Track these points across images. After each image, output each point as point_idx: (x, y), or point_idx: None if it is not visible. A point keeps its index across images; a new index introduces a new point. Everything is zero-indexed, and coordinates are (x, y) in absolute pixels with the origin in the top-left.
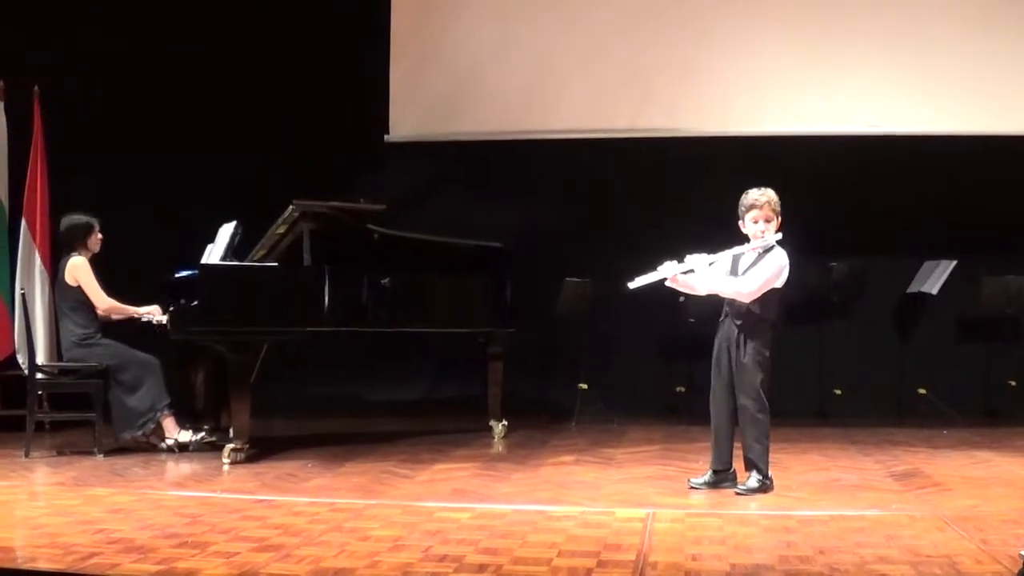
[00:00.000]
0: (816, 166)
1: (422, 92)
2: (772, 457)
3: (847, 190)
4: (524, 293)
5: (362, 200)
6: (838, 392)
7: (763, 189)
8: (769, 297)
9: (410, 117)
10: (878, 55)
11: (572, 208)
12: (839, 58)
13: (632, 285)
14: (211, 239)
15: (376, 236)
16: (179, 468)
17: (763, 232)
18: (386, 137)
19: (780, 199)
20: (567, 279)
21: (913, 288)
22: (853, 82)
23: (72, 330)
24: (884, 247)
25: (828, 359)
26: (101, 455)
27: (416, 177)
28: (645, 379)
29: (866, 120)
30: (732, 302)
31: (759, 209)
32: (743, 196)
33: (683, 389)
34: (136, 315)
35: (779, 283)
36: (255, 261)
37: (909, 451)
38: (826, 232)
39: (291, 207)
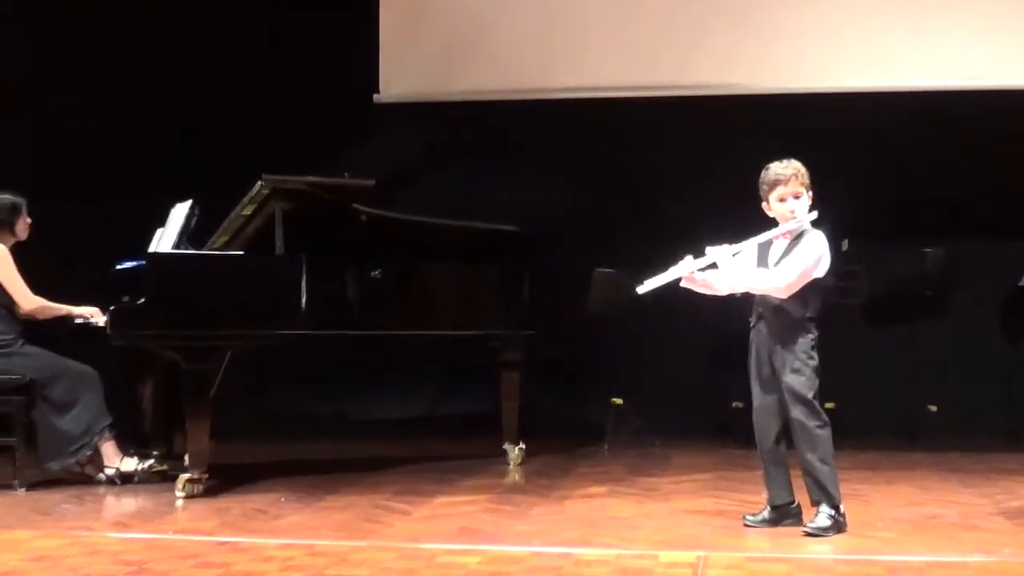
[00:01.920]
0: (905, 129)
1: (419, 42)
2: (852, 488)
3: (944, 158)
4: (545, 287)
5: (346, 174)
6: (933, 409)
7: (786, 161)
8: (808, 290)
9: (404, 72)
10: None
11: (603, 183)
12: None
13: (641, 290)
14: (161, 222)
15: (364, 218)
16: (121, 504)
17: (793, 212)
18: (375, 97)
19: (862, 167)
20: (597, 270)
21: None
22: (951, 26)
23: None
24: (990, 229)
25: (920, 368)
26: (22, 489)
27: (412, 146)
28: (693, 392)
29: (967, 72)
30: (765, 300)
31: (784, 185)
32: (763, 173)
33: (740, 405)
34: (70, 316)
35: (819, 272)
36: (216, 249)
37: (1023, 483)
38: (918, 210)
39: (259, 183)
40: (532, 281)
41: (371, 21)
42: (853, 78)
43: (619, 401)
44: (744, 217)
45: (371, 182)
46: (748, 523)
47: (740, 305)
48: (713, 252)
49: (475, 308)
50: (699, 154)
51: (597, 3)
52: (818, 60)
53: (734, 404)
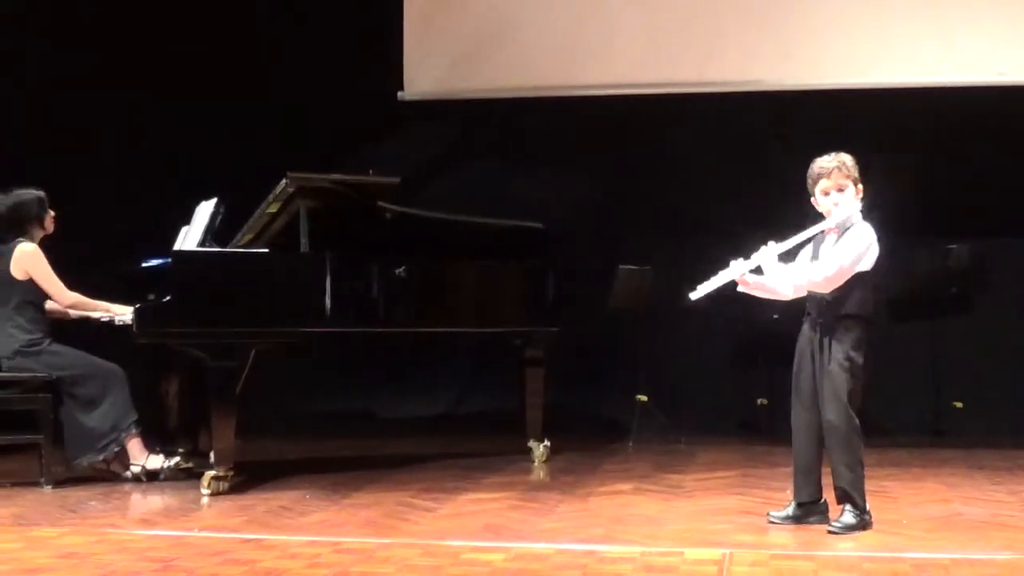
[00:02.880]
0: (931, 126)
1: (443, 39)
2: (878, 485)
3: (970, 155)
4: (570, 284)
5: (371, 172)
6: (959, 405)
7: (832, 154)
8: (855, 286)
9: (428, 70)
10: None
11: (627, 180)
12: None
13: (694, 296)
14: (186, 220)
15: (388, 216)
16: (147, 501)
17: (837, 204)
18: (400, 95)
19: (887, 165)
20: (621, 267)
21: None
22: (977, 21)
23: (15, 335)
24: (1015, 226)
25: (946, 365)
26: (49, 487)
27: (436, 143)
28: (718, 389)
29: (994, 68)
30: (813, 297)
31: (828, 178)
32: (810, 167)
33: (765, 402)
34: (106, 313)
35: (865, 266)
36: (241, 247)
37: None
38: (943, 206)
39: (284, 181)
40: (556, 278)
41: (395, 19)
42: (876, 74)
43: (644, 398)
44: (766, 213)
45: (396, 180)
46: (773, 520)
47: (762, 303)
48: (758, 255)
49: (499, 305)
50: (721, 151)
51: (620, 1)
52: (841, 56)
53: (759, 401)
